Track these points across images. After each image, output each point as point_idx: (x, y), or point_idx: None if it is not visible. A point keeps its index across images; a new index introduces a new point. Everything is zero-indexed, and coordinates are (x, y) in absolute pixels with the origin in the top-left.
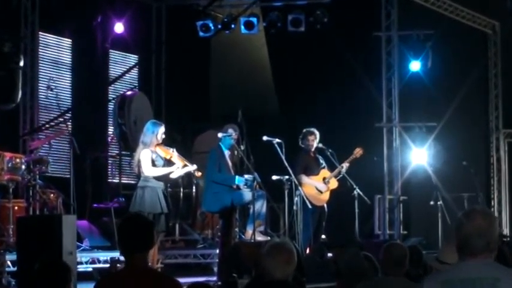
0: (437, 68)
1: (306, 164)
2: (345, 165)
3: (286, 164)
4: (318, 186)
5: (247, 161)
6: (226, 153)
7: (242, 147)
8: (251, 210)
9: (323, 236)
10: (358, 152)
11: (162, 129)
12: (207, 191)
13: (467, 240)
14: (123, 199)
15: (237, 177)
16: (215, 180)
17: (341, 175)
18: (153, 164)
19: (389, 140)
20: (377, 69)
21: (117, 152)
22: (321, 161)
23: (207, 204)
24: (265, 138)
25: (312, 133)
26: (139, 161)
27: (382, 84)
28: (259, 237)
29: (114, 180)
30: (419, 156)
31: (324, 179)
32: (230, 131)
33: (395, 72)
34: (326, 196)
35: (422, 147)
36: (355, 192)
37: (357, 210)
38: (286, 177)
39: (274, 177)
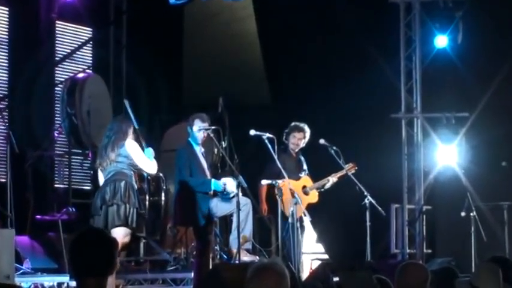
0: (470, 43)
1: (284, 166)
2: (332, 179)
3: (279, 164)
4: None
5: (229, 161)
6: (198, 150)
7: (224, 144)
8: (234, 223)
9: (326, 256)
10: (350, 168)
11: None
12: (177, 200)
13: None
14: (74, 209)
15: (213, 181)
16: (186, 186)
17: (323, 189)
18: None
19: (409, 134)
20: (394, 46)
21: (66, 150)
22: (304, 165)
23: (177, 216)
24: (252, 132)
25: (301, 130)
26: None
27: (401, 64)
28: (245, 257)
29: (62, 186)
30: (446, 155)
31: (303, 187)
32: (197, 122)
33: (417, 50)
34: (301, 209)
35: (451, 143)
36: (366, 200)
37: (368, 224)
38: (280, 181)
39: (264, 182)
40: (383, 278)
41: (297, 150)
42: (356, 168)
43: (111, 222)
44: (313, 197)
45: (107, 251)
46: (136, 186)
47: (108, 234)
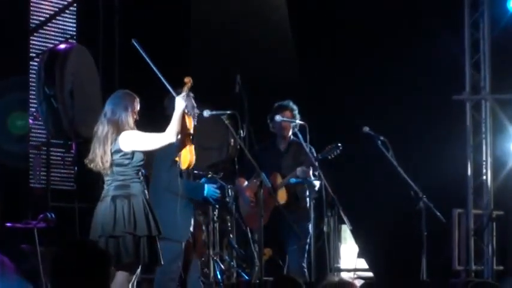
0: None
1: (271, 162)
2: (300, 169)
3: (312, 158)
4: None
5: (249, 155)
6: None
7: (242, 134)
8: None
9: (370, 274)
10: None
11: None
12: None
13: None
14: (53, 215)
15: (206, 186)
16: (169, 189)
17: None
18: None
19: (476, 120)
20: (455, 11)
21: (43, 140)
22: (307, 150)
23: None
24: (278, 118)
25: (286, 108)
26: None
27: (465, 34)
28: None
29: (38, 186)
30: None
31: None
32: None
33: (485, 15)
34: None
35: None
36: (421, 204)
37: (424, 233)
38: (313, 179)
39: (295, 180)
40: None
41: (288, 135)
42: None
43: (116, 259)
44: (281, 196)
45: (99, 270)
46: (144, 196)
47: (98, 246)
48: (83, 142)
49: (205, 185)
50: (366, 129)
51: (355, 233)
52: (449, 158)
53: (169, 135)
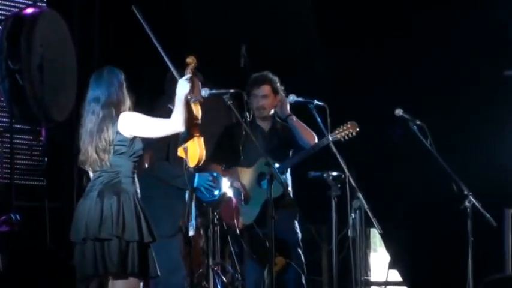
0: None
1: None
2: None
3: (333, 147)
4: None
5: (255, 139)
6: None
7: (248, 117)
8: None
9: None
10: (344, 130)
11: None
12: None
13: None
14: (18, 217)
15: (197, 174)
16: (157, 175)
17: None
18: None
19: None
20: None
21: (6, 125)
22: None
23: None
24: (292, 98)
25: (264, 81)
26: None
27: None
28: None
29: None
30: None
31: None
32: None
33: None
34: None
35: None
36: (467, 203)
37: (471, 238)
38: (334, 173)
39: (313, 174)
40: None
41: (268, 115)
42: (357, 130)
43: (101, 266)
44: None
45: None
46: (137, 196)
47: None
48: (54, 127)
49: (196, 174)
50: (399, 111)
51: (386, 239)
52: (500, 146)
53: (176, 123)
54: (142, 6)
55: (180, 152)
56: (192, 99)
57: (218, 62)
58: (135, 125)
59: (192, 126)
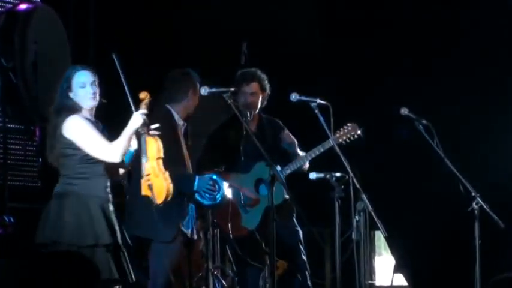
0: None
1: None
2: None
3: (336, 147)
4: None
5: (258, 142)
6: (180, 126)
7: (249, 116)
8: None
9: None
10: (345, 133)
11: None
12: (134, 205)
13: None
14: (12, 219)
15: (197, 177)
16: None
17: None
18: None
19: None
20: None
21: None
22: (285, 136)
23: (143, 228)
24: (294, 97)
25: (253, 78)
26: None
27: None
28: None
29: None
30: None
31: (258, 181)
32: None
33: None
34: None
35: None
36: (474, 205)
37: (478, 241)
38: (338, 174)
39: (314, 176)
40: None
41: (255, 113)
42: (359, 132)
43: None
44: None
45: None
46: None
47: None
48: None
49: (196, 177)
50: (405, 110)
51: (391, 242)
52: (509, 147)
53: (114, 152)
54: (142, 6)
55: (145, 189)
56: (143, 134)
57: (218, 59)
58: (75, 131)
59: (157, 163)
